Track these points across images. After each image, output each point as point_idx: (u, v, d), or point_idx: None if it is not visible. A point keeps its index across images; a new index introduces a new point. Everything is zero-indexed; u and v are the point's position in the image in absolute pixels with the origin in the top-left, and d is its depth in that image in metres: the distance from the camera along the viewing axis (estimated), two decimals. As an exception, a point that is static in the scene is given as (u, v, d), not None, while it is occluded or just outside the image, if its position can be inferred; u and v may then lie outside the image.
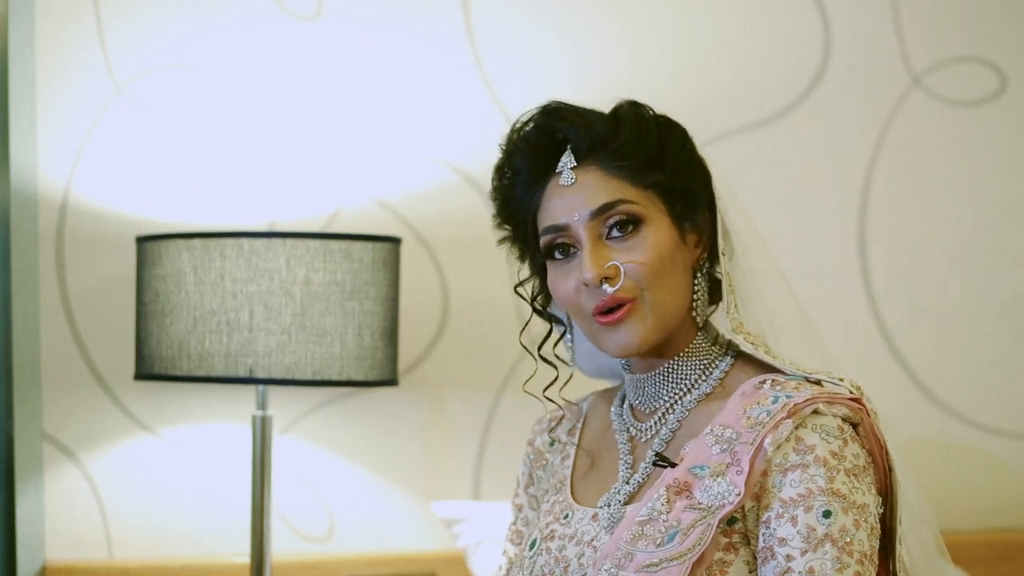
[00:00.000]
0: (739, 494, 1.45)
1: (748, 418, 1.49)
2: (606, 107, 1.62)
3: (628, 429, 1.65)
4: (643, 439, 1.62)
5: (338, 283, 2.19)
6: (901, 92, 2.78)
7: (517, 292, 1.70)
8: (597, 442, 1.70)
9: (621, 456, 1.62)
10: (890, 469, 1.52)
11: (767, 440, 1.47)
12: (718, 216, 1.61)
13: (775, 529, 1.45)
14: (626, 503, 1.57)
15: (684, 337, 1.61)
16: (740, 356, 1.62)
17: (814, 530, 1.44)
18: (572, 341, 1.70)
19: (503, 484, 2.25)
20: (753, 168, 2.71)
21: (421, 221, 2.58)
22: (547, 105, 1.62)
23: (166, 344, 2.21)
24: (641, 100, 1.62)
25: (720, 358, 1.62)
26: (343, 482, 2.57)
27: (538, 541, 1.62)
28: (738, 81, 2.71)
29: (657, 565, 1.45)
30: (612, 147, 1.57)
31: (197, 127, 2.51)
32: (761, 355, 1.58)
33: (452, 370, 2.60)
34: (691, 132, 1.64)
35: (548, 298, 1.67)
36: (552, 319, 1.70)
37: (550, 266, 1.62)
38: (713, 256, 1.63)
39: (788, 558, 1.44)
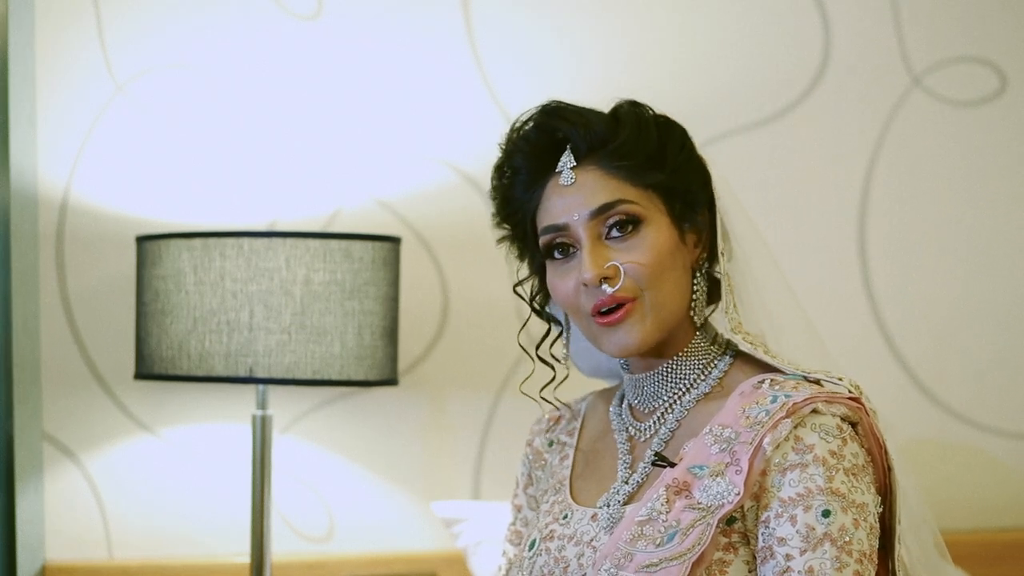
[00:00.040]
0: (738, 494, 1.45)
1: (747, 418, 1.49)
2: (606, 107, 1.62)
3: (627, 429, 1.65)
4: (642, 439, 1.62)
5: (338, 283, 2.19)
6: (901, 92, 2.78)
7: (516, 292, 1.70)
8: (596, 442, 1.70)
9: (620, 456, 1.62)
10: (889, 468, 1.52)
11: (766, 440, 1.47)
12: (717, 216, 1.61)
13: (774, 529, 1.45)
14: (625, 503, 1.57)
15: (683, 337, 1.61)
16: (739, 356, 1.62)
17: (813, 529, 1.44)
18: (568, 340, 1.70)
19: (503, 484, 2.25)
20: (753, 168, 2.71)
21: (421, 221, 2.58)
22: (547, 104, 1.62)
23: (166, 344, 2.21)
24: (641, 100, 1.62)
25: (719, 358, 1.62)
26: (343, 482, 2.57)
27: (537, 541, 1.62)
28: (738, 81, 2.71)
29: (657, 565, 1.45)
30: (612, 147, 1.57)
31: (197, 127, 2.51)
32: (760, 355, 1.58)
33: (452, 370, 2.60)
34: (691, 132, 1.64)
35: (547, 297, 1.67)
36: (550, 319, 1.70)
37: (549, 266, 1.61)
38: (712, 256, 1.63)
39: (787, 557, 1.44)
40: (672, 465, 1.52)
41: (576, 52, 2.65)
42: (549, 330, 1.71)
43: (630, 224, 1.57)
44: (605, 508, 1.58)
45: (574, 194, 1.58)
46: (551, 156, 1.60)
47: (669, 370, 1.61)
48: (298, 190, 2.54)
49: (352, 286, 2.20)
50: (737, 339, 1.58)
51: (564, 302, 1.60)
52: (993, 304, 2.82)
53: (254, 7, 2.53)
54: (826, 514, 1.44)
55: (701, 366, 1.62)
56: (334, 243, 2.19)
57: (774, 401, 1.49)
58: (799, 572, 1.43)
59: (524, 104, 1.65)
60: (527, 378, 1.71)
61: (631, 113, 1.60)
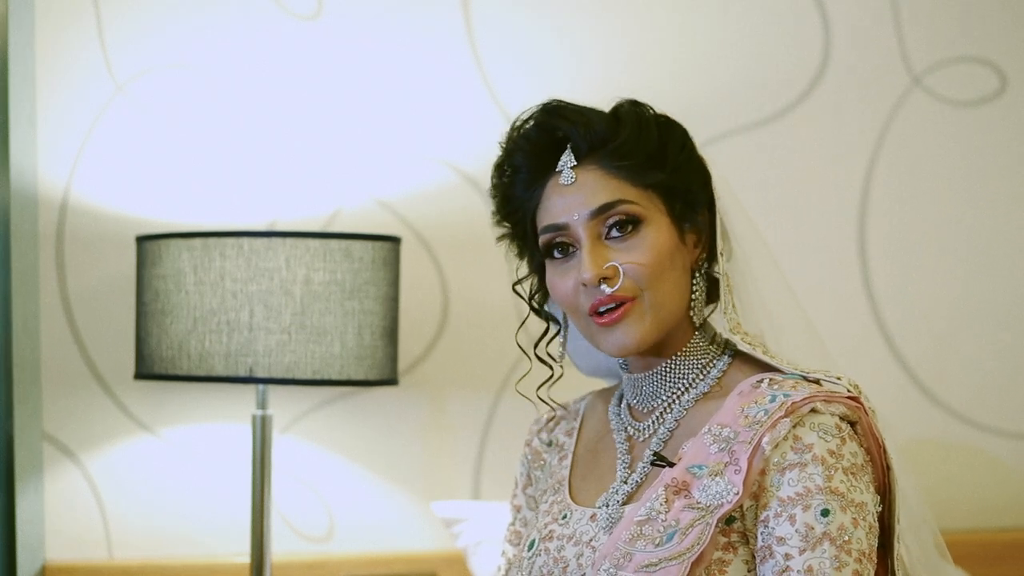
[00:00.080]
0: (737, 493, 1.45)
1: (746, 417, 1.49)
2: (606, 107, 1.62)
3: (626, 429, 1.65)
4: (641, 439, 1.62)
5: (338, 283, 2.19)
6: (901, 92, 2.78)
7: (515, 290, 1.70)
8: (595, 442, 1.69)
9: (619, 456, 1.62)
10: (888, 467, 1.52)
11: (765, 439, 1.47)
12: (717, 216, 1.61)
13: (773, 528, 1.45)
14: (624, 503, 1.57)
15: (682, 336, 1.61)
16: (738, 355, 1.62)
17: (812, 529, 1.44)
18: (566, 340, 1.70)
19: (503, 484, 2.25)
20: (753, 168, 2.71)
21: (421, 221, 2.58)
22: (548, 103, 1.62)
23: (166, 344, 2.21)
24: (641, 100, 1.62)
25: (718, 357, 1.62)
26: (343, 482, 2.57)
27: (536, 542, 1.62)
28: (738, 81, 2.71)
29: (656, 565, 1.45)
30: (612, 146, 1.57)
31: (197, 127, 2.51)
32: (759, 355, 1.58)
33: (452, 370, 2.60)
34: (691, 132, 1.64)
35: (546, 296, 1.67)
36: (549, 317, 1.70)
37: (549, 265, 1.61)
38: (712, 256, 1.63)
39: (787, 557, 1.44)
40: (671, 465, 1.51)
41: (576, 52, 2.65)
42: (548, 329, 1.71)
43: (630, 224, 1.57)
44: (604, 508, 1.58)
45: (574, 193, 1.58)
46: (551, 155, 1.60)
47: (668, 370, 1.61)
48: (298, 190, 2.54)
49: (352, 286, 2.20)
50: (736, 339, 1.58)
51: (563, 301, 1.60)
52: (993, 304, 2.82)
53: (254, 7, 2.53)
54: (825, 513, 1.44)
55: (700, 366, 1.62)
56: (334, 243, 2.19)
57: (773, 400, 1.49)
58: (798, 571, 1.43)
59: (524, 104, 1.65)
60: (523, 376, 1.71)
61: (632, 112, 1.60)
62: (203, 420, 2.51)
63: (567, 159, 1.59)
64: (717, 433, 1.50)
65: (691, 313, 1.61)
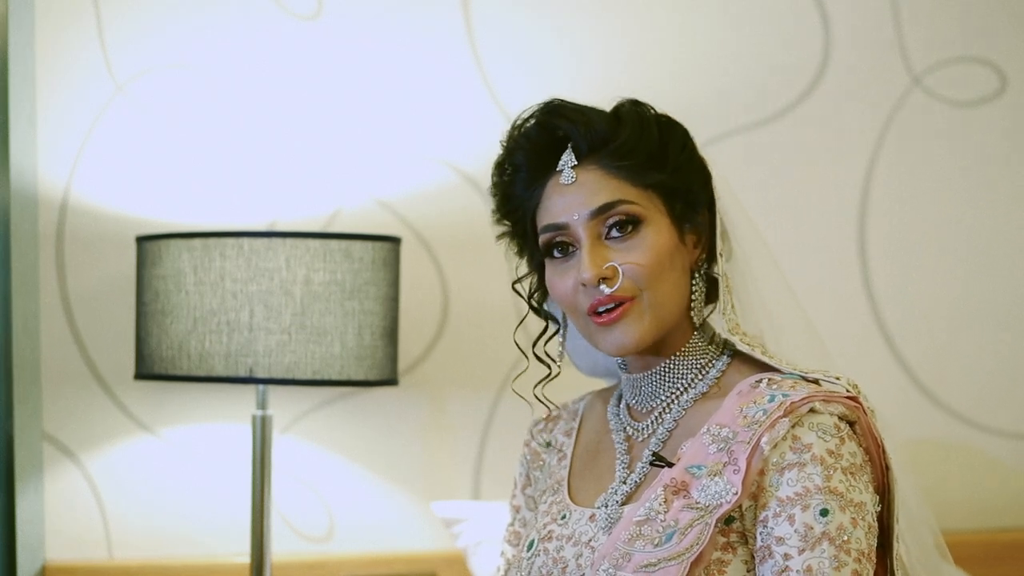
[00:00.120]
0: (736, 493, 1.45)
1: (745, 417, 1.49)
2: (607, 107, 1.62)
3: (625, 429, 1.65)
4: (640, 439, 1.62)
5: (338, 283, 2.19)
6: (901, 92, 2.78)
7: (515, 289, 1.70)
8: (594, 442, 1.69)
9: (618, 456, 1.62)
10: (887, 467, 1.52)
11: (764, 439, 1.47)
12: (717, 217, 1.61)
13: (772, 528, 1.45)
14: (623, 503, 1.57)
15: (681, 337, 1.61)
16: (736, 356, 1.62)
17: (811, 529, 1.43)
18: (565, 339, 1.70)
19: (503, 484, 2.25)
20: (753, 168, 2.71)
21: (421, 221, 2.58)
22: (548, 102, 1.62)
23: (166, 344, 2.21)
24: (641, 100, 1.62)
25: (716, 358, 1.62)
26: (343, 482, 2.57)
27: (536, 542, 1.62)
28: (738, 81, 2.71)
29: (655, 565, 1.45)
30: (613, 146, 1.57)
31: (197, 127, 2.51)
32: (757, 355, 1.58)
33: (452, 370, 2.60)
34: (691, 132, 1.63)
35: (545, 295, 1.67)
36: (548, 316, 1.70)
37: (548, 264, 1.61)
38: (712, 256, 1.63)
39: (786, 557, 1.44)
40: (670, 465, 1.51)
41: (576, 52, 2.65)
42: (546, 328, 1.70)
43: (630, 224, 1.56)
44: (603, 508, 1.58)
45: (574, 193, 1.58)
46: (552, 154, 1.60)
47: (667, 370, 1.61)
48: (298, 190, 2.54)
49: (352, 286, 2.20)
50: (734, 339, 1.58)
51: (562, 300, 1.60)
52: (993, 304, 2.82)
53: (254, 7, 2.53)
54: (824, 513, 1.44)
55: (699, 366, 1.61)
56: (334, 243, 2.19)
57: (772, 400, 1.49)
58: (797, 571, 1.43)
59: (524, 104, 1.64)
60: (519, 375, 1.71)
61: (633, 112, 1.60)
62: (203, 420, 2.51)
63: (567, 158, 1.59)
64: (716, 433, 1.50)
65: (691, 313, 1.61)
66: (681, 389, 1.61)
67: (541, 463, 1.77)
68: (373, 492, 2.58)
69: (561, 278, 1.59)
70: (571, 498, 1.65)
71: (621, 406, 1.67)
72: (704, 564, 1.46)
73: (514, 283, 1.69)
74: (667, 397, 1.61)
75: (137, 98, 2.49)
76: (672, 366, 1.61)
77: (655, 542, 1.46)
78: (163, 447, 2.51)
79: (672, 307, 1.58)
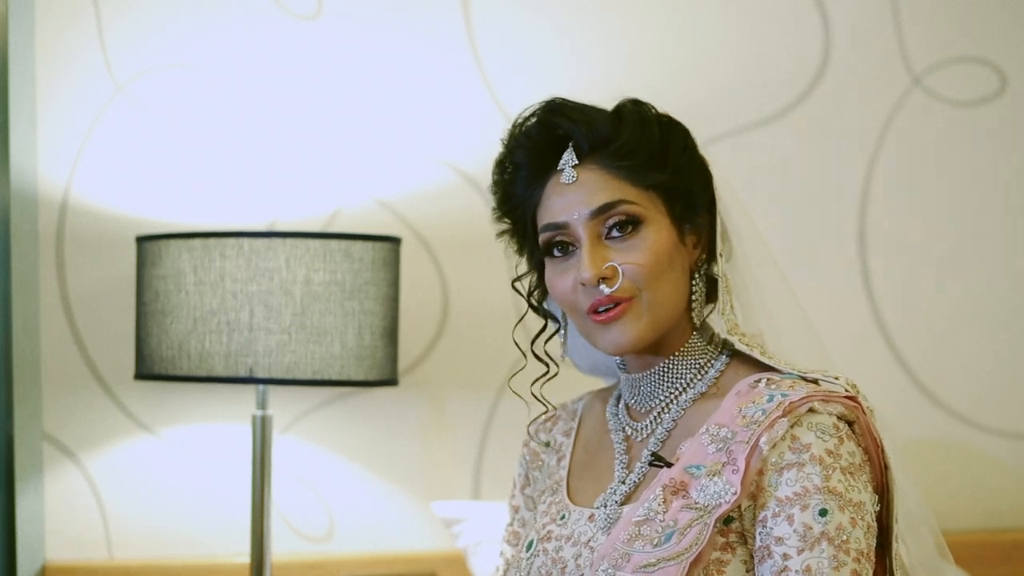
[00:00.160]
0: (735, 493, 1.45)
1: (744, 417, 1.49)
2: (607, 107, 1.62)
3: (624, 429, 1.65)
4: (639, 439, 1.62)
5: (338, 283, 2.19)
6: (901, 92, 2.78)
7: (514, 287, 1.70)
8: (593, 442, 1.69)
9: (617, 456, 1.62)
10: (886, 467, 1.52)
11: (763, 439, 1.47)
12: (718, 217, 1.61)
13: (772, 528, 1.45)
14: (622, 503, 1.57)
15: (680, 336, 1.61)
16: (735, 356, 1.62)
17: (810, 528, 1.43)
18: (566, 338, 1.70)
19: (503, 484, 2.25)
20: (753, 168, 2.71)
21: (421, 221, 2.58)
22: (550, 101, 1.61)
23: (166, 344, 2.21)
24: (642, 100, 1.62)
25: (715, 358, 1.62)
26: (343, 482, 2.57)
27: (535, 542, 1.62)
28: (738, 81, 2.71)
29: (654, 565, 1.45)
30: (614, 146, 1.57)
31: (197, 127, 2.51)
32: (756, 355, 1.58)
33: (452, 370, 2.60)
34: (691, 132, 1.63)
35: (545, 293, 1.67)
36: (547, 315, 1.70)
37: (548, 263, 1.61)
38: (712, 256, 1.63)
39: (785, 557, 1.44)
40: (669, 465, 1.51)
41: (576, 52, 2.65)
42: (545, 326, 1.70)
43: (630, 224, 1.56)
44: (602, 508, 1.58)
45: (575, 193, 1.58)
46: (553, 153, 1.60)
47: (665, 370, 1.61)
48: (298, 190, 2.54)
49: (352, 286, 2.20)
50: (733, 339, 1.58)
51: (562, 300, 1.60)
52: (993, 304, 2.82)
53: (254, 7, 2.53)
54: (823, 513, 1.44)
55: (698, 366, 1.61)
56: (334, 243, 2.19)
57: (770, 400, 1.49)
58: (797, 571, 1.43)
59: (524, 104, 1.64)
60: (516, 372, 1.71)
61: (634, 112, 1.60)
62: (203, 420, 2.52)
63: (568, 158, 1.59)
64: (715, 433, 1.50)
65: (691, 314, 1.61)
66: (680, 389, 1.61)
67: (540, 463, 1.77)
68: (373, 492, 2.58)
69: (561, 277, 1.59)
70: (570, 498, 1.64)
71: (620, 406, 1.67)
72: (703, 564, 1.46)
73: (513, 281, 1.69)
74: (666, 397, 1.61)
75: (137, 98, 2.49)
76: (671, 366, 1.61)
77: (654, 542, 1.46)
78: (163, 447, 2.51)
79: (671, 307, 1.58)
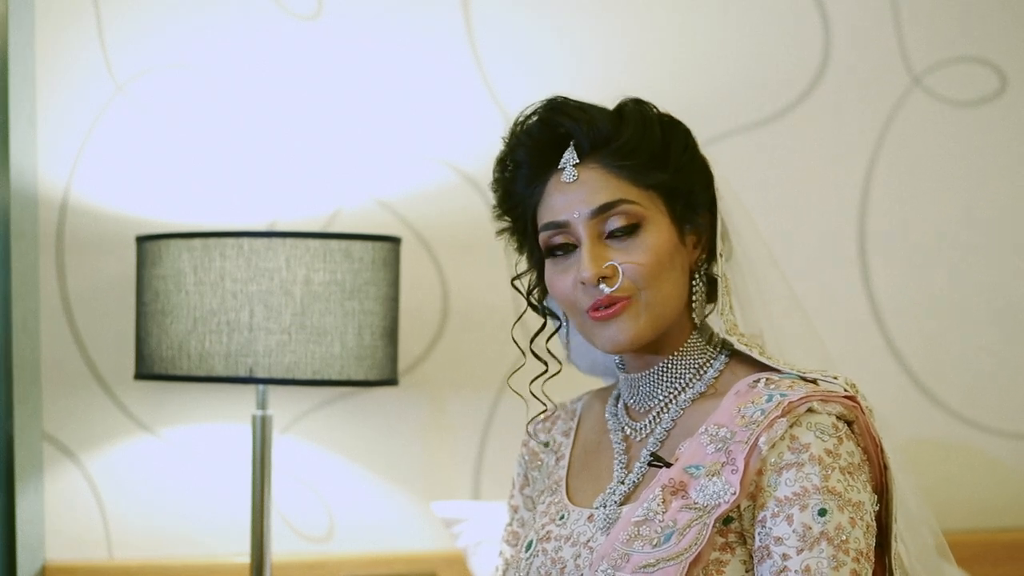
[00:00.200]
0: (735, 493, 1.45)
1: (743, 417, 1.49)
2: (608, 106, 1.62)
3: (623, 428, 1.65)
4: (638, 438, 1.62)
5: (338, 283, 2.19)
6: (901, 92, 2.78)
7: (514, 285, 1.70)
8: (592, 442, 1.69)
9: (616, 456, 1.62)
10: (885, 467, 1.52)
11: (762, 439, 1.47)
12: (718, 217, 1.61)
13: (771, 528, 1.45)
14: (622, 503, 1.57)
15: (679, 336, 1.61)
16: (734, 356, 1.62)
17: (810, 528, 1.43)
18: (568, 337, 1.70)
19: (503, 484, 2.25)
20: (753, 168, 2.71)
21: (421, 221, 2.58)
22: (551, 99, 1.62)
23: (166, 344, 2.21)
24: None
25: (714, 357, 1.62)
26: (343, 482, 2.57)
27: (534, 542, 1.62)
28: (738, 81, 2.71)
29: (654, 566, 1.45)
30: (615, 145, 1.57)
31: (197, 127, 2.51)
32: (755, 355, 1.58)
33: (452, 370, 2.60)
34: (692, 132, 1.64)
35: (544, 291, 1.67)
36: (547, 313, 1.70)
37: (548, 262, 1.61)
38: (712, 256, 1.63)
39: (784, 557, 1.44)
40: (668, 465, 1.51)
41: (576, 52, 2.65)
42: (544, 325, 1.70)
43: (630, 224, 1.56)
44: (601, 509, 1.58)
45: (576, 191, 1.58)
46: (554, 151, 1.60)
47: (664, 369, 1.61)
48: (298, 190, 2.54)
49: (352, 286, 2.20)
50: (732, 339, 1.58)
51: (561, 298, 1.60)
52: (993, 304, 2.82)
53: (254, 7, 2.53)
54: (822, 513, 1.44)
55: (696, 366, 1.61)
56: (334, 243, 2.19)
57: (769, 400, 1.49)
58: (796, 571, 1.42)
59: (524, 104, 1.64)
60: (515, 371, 1.71)
61: (635, 111, 1.60)
62: (203, 420, 2.52)
63: (569, 156, 1.59)
64: (714, 433, 1.50)
65: (692, 314, 1.61)
66: (679, 389, 1.61)
67: (539, 463, 1.77)
68: (373, 492, 2.58)
69: (561, 276, 1.59)
70: (569, 498, 1.64)
71: (619, 406, 1.67)
72: (702, 564, 1.46)
73: (513, 279, 1.70)
74: (665, 397, 1.61)
75: (137, 98, 2.49)
76: (670, 366, 1.61)
77: (653, 543, 1.46)
78: (163, 447, 2.51)
79: (670, 307, 1.58)
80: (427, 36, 2.59)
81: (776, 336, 1.64)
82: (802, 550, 1.43)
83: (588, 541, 1.56)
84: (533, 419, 1.78)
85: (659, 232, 1.57)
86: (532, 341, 1.67)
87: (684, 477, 1.48)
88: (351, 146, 2.56)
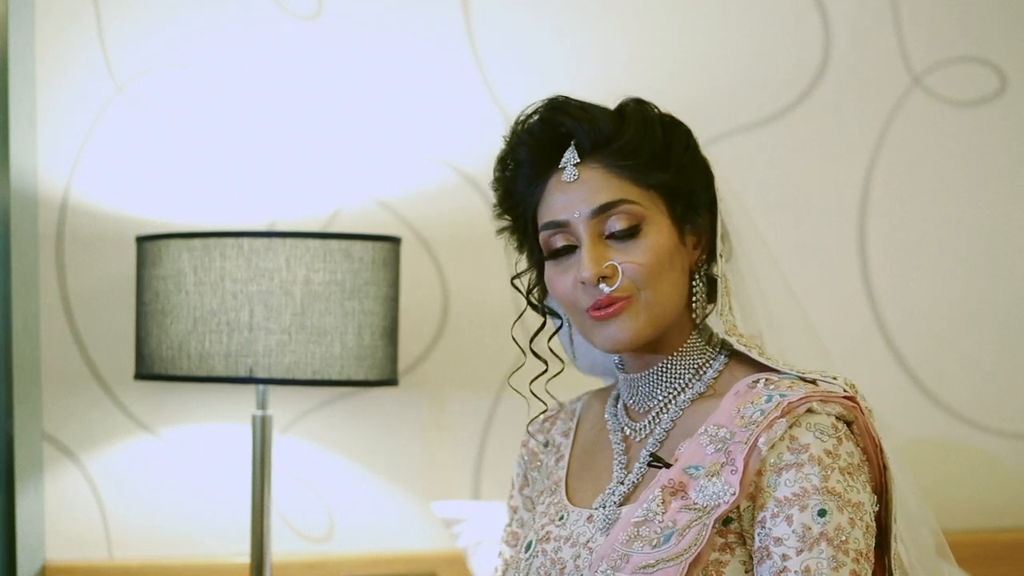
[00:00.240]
0: (734, 494, 1.45)
1: (742, 417, 1.49)
2: (608, 106, 1.62)
3: (622, 429, 1.65)
4: (637, 439, 1.62)
5: (338, 283, 2.19)
6: (901, 92, 2.78)
7: (513, 284, 1.70)
8: (591, 443, 1.69)
9: (615, 456, 1.62)
10: (885, 467, 1.52)
11: (761, 439, 1.47)
12: (719, 218, 1.61)
13: (770, 529, 1.45)
14: (621, 504, 1.57)
15: (678, 336, 1.61)
16: (734, 356, 1.62)
17: (809, 529, 1.43)
18: (572, 336, 1.70)
19: (503, 484, 2.25)
20: (753, 168, 2.71)
21: (421, 221, 2.58)
22: (553, 99, 1.62)
23: (166, 344, 2.21)
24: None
25: (714, 358, 1.62)
26: (343, 482, 2.57)
27: (534, 543, 1.62)
28: (738, 81, 2.71)
29: (653, 566, 1.45)
30: (616, 145, 1.57)
31: (197, 127, 2.51)
32: (754, 355, 1.58)
33: (452, 370, 2.60)
34: (693, 132, 1.64)
35: (544, 291, 1.67)
36: (548, 312, 1.70)
37: (548, 261, 1.61)
38: (712, 257, 1.63)
39: (784, 557, 1.44)
40: (667, 466, 1.51)
41: (576, 52, 2.65)
42: (544, 324, 1.70)
43: (631, 224, 1.57)
44: (601, 509, 1.58)
45: (576, 191, 1.58)
46: (555, 151, 1.60)
47: (664, 370, 1.61)
48: (298, 190, 2.54)
49: (352, 286, 2.20)
50: (731, 340, 1.58)
51: (561, 298, 1.60)
52: (993, 304, 2.82)
53: (254, 7, 2.53)
54: (822, 513, 1.44)
55: (696, 366, 1.61)
56: (334, 243, 2.19)
57: (769, 400, 1.49)
58: (795, 572, 1.42)
59: (524, 104, 1.64)
60: (516, 370, 1.71)
61: (637, 111, 1.60)
62: (203, 420, 2.51)
63: (570, 156, 1.59)
64: (713, 434, 1.50)
65: (691, 314, 1.61)
66: (678, 389, 1.61)
67: (539, 463, 1.77)
68: (373, 492, 2.58)
69: (561, 276, 1.59)
70: (569, 499, 1.64)
71: (619, 406, 1.67)
72: (702, 565, 1.46)
73: (513, 278, 1.70)
74: (664, 397, 1.61)
75: (137, 98, 2.49)
76: (669, 366, 1.61)
77: (653, 543, 1.46)
78: (163, 447, 2.51)
79: (669, 307, 1.58)
80: (427, 36, 2.59)
81: (776, 336, 1.64)
82: (802, 551, 1.43)
83: (587, 542, 1.56)
84: (533, 419, 1.78)
85: (659, 232, 1.57)
86: (532, 340, 1.67)
87: (683, 478, 1.48)
88: (351, 146, 2.56)
